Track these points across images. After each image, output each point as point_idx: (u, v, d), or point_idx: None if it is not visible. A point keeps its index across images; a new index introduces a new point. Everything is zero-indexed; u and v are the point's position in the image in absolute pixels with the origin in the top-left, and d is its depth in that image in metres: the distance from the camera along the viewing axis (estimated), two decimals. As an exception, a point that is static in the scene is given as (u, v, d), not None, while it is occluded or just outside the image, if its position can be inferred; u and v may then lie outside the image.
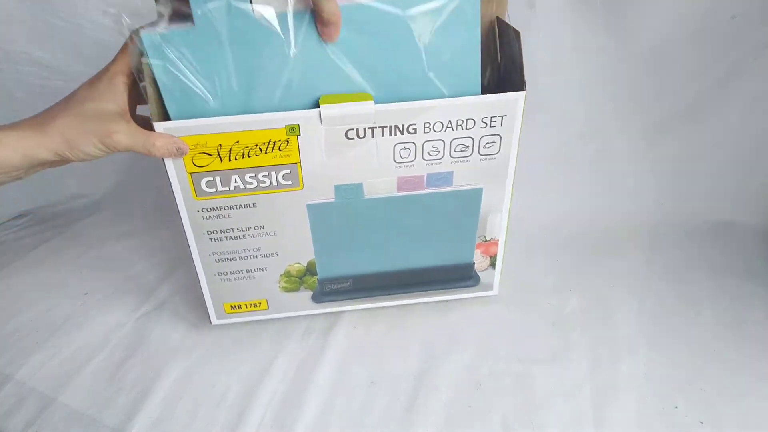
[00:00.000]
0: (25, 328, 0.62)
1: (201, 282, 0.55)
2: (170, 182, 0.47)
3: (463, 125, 0.49)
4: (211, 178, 0.48)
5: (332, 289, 0.59)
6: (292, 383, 0.52)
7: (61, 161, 0.43)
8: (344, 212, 0.53)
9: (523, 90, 0.48)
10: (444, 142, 0.50)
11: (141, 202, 0.84)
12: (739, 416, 0.46)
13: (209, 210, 0.50)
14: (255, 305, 0.58)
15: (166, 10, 0.42)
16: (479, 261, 0.59)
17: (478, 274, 0.60)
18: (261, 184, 0.49)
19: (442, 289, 0.61)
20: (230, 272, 0.55)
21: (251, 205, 0.50)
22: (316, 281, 0.58)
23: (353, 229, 0.55)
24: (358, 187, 0.52)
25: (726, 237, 0.68)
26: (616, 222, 0.72)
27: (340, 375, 0.53)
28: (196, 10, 0.41)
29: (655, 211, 0.72)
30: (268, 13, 0.42)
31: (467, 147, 0.50)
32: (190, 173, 0.47)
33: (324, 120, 0.46)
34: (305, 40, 0.44)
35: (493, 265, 0.60)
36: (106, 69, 0.43)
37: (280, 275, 0.56)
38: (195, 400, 0.51)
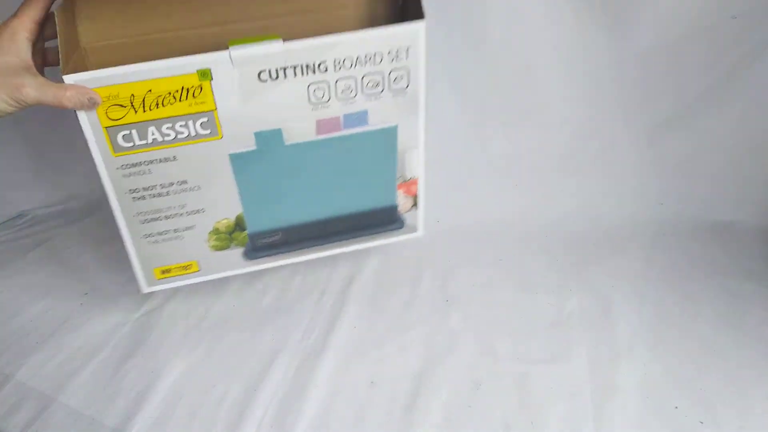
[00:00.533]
0: (25, 328, 0.62)
1: (127, 247, 0.53)
2: (86, 140, 0.46)
3: (372, 59, 0.49)
4: (128, 132, 0.47)
5: (263, 243, 0.59)
6: (292, 383, 0.52)
7: None
8: (267, 160, 0.53)
9: (422, 19, 0.49)
10: (356, 79, 0.50)
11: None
12: (738, 416, 0.46)
13: (129, 166, 0.49)
14: (185, 267, 0.57)
15: None
16: (402, 202, 0.60)
17: (404, 215, 0.62)
18: (179, 135, 0.48)
19: (370, 234, 0.62)
20: (157, 233, 0.53)
21: (172, 158, 0.50)
22: (247, 237, 0.57)
23: (278, 177, 0.55)
24: (278, 132, 0.52)
25: (726, 237, 0.68)
26: (616, 222, 0.72)
27: (340, 375, 0.53)
28: None
29: (655, 211, 0.72)
30: None
31: (378, 83, 0.51)
32: (106, 128, 0.46)
33: (234, 61, 0.46)
34: None
35: (415, 204, 0.61)
36: (6, 24, 0.43)
37: (209, 233, 0.55)
38: (195, 400, 0.51)
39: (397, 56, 0.50)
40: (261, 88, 0.48)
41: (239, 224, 0.56)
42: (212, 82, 0.47)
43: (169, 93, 0.46)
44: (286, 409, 0.49)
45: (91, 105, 0.44)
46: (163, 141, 0.48)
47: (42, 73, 0.44)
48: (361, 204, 0.59)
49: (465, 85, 0.73)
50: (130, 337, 0.59)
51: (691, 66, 0.67)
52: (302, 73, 0.49)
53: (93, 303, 0.65)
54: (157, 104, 0.46)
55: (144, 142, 0.48)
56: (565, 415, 0.47)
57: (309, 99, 0.50)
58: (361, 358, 0.54)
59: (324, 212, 0.59)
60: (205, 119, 0.48)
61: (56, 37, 0.45)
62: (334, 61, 0.49)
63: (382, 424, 0.48)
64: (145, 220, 0.52)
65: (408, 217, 0.62)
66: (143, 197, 0.51)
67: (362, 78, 0.51)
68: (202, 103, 0.47)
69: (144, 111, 0.46)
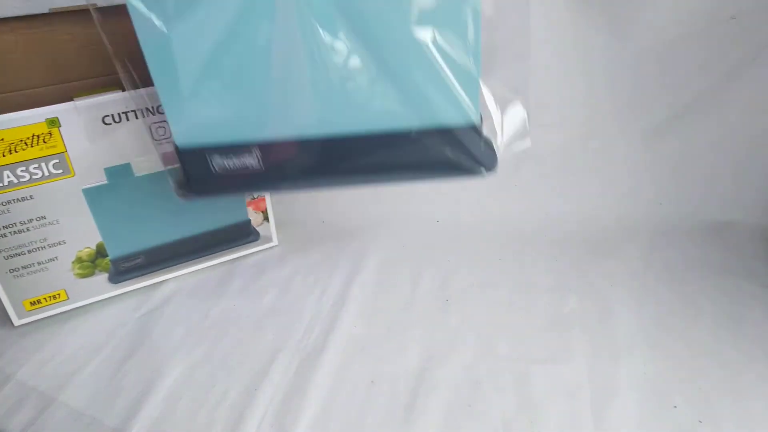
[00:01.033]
0: (25, 328, 0.62)
1: None
2: None
3: None
4: None
5: (126, 267, 0.62)
6: (292, 383, 0.52)
7: None
8: (119, 192, 0.58)
9: None
10: None
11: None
12: (738, 416, 0.46)
13: None
14: (54, 297, 0.61)
15: None
16: (254, 217, 0.68)
17: (257, 229, 0.68)
18: (34, 176, 0.54)
19: (230, 247, 0.68)
20: (21, 267, 0.57)
21: (29, 198, 0.55)
22: (109, 262, 0.61)
23: (131, 206, 0.60)
24: (126, 166, 0.58)
25: (725, 237, 0.68)
26: (615, 222, 0.72)
27: (340, 375, 0.53)
28: None
29: (654, 211, 0.72)
30: None
31: None
32: None
33: (80, 110, 0.53)
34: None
35: (266, 218, 0.68)
36: None
37: (72, 262, 0.60)
38: (195, 400, 0.51)
39: None
40: (106, 130, 0.55)
41: (100, 251, 0.61)
42: (61, 129, 0.53)
43: (21, 140, 0.52)
44: (286, 409, 0.49)
45: None
46: (19, 182, 0.54)
47: None
48: (215, 222, 0.65)
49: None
50: (130, 337, 0.59)
51: (690, 66, 0.67)
52: (143, 116, 0.55)
53: (93, 303, 0.65)
54: (10, 151, 0.52)
55: (1, 184, 0.53)
56: (564, 415, 0.47)
57: (152, 136, 0.56)
58: (361, 358, 0.54)
59: (182, 232, 0.64)
60: (57, 160, 0.54)
61: None
62: None
63: (382, 424, 0.48)
64: (9, 255, 0.56)
65: (262, 230, 0.69)
66: (4, 235, 0.55)
67: None
68: (53, 146, 0.54)
69: None
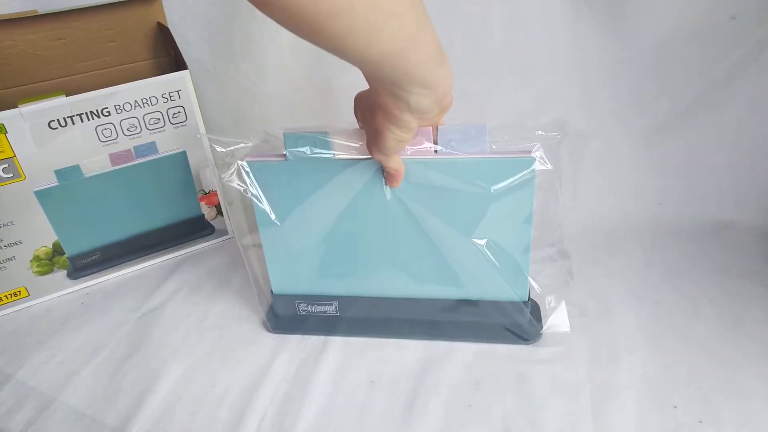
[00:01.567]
0: (25, 328, 0.62)
1: None
2: None
3: (149, 102, 0.61)
4: None
5: (83, 263, 0.65)
6: (292, 383, 0.52)
7: None
8: (70, 192, 0.61)
9: (186, 69, 0.62)
10: (138, 118, 0.62)
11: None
12: (738, 416, 0.46)
13: None
14: (15, 294, 0.63)
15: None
16: (207, 212, 0.71)
17: (212, 223, 0.72)
18: None
19: (186, 242, 0.71)
20: None
21: None
22: (67, 260, 0.65)
23: (83, 205, 0.63)
24: (76, 168, 0.61)
25: (726, 237, 0.68)
26: (615, 222, 0.72)
27: (340, 375, 0.53)
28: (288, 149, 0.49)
29: (654, 211, 0.72)
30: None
31: (159, 120, 0.63)
32: None
33: (25, 116, 0.56)
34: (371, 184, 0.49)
35: (220, 213, 0.72)
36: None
37: (30, 261, 0.63)
38: (195, 400, 0.51)
39: (171, 98, 0.62)
40: (53, 134, 0.58)
41: (57, 250, 0.64)
42: (7, 135, 0.56)
43: None
44: (286, 409, 0.49)
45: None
46: None
47: None
48: (170, 217, 0.69)
49: (464, 85, 0.73)
50: (130, 337, 0.59)
51: (691, 66, 0.67)
52: (88, 119, 0.59)
53: (93, 303, 0.65)
54: None
55: None
56: (564, 415, 0.47)
57: (99, 138, 0.61)
58: (361, 358, 0.54)
59: (137, 228, 0.68)
60: (6, 165, 0.57)
61: None
62: (115, 107, 0.60)
63: (382, 424, 0.48)
64: None
65: (217, 224, 0.72)
66: None
67: (144, 117, 0.62)
68: (1, 152, 0.56)
69: None
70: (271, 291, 0.57)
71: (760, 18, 0.63)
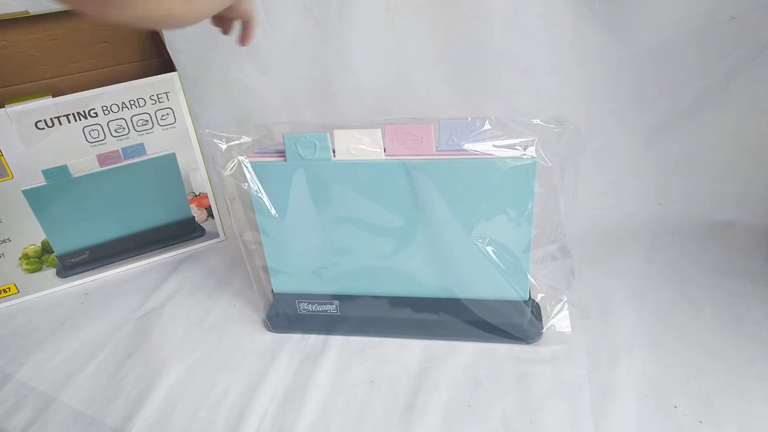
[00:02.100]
0: (25, 328, 0.62)
1: None
2: None
3: (136, 104, 0.62)
4: None
5: (73, 262, 0.65)
6: (292, 383, 0.52)
7: None
8: (58, 192, 0.62)
9: (174, 71, 0.63)
10: (126, 120, 0.62)
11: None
12: (738, 416, 0.46)
13: None
14: (5, 291, 0.64)
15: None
16: (197, 214, 0.71)
17: (202, 226, 0.72)
18: None
19: (177, 243, 0.71)
20: None
21: None
22: (56, 258, 0.65)
23: (72, 205, 0.63)
24: (64, 168, 0.61)
25: (726, 237, 0.68)
26: (616, 222, 0.72)
27: (340, 375, 0.53)
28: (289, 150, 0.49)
29: (654, 211, 0.72)
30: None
31: (147, 122, 0.63)
32: None
33: (11, 116, 0.56)
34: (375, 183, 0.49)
35: (211, 215, 0.72)
36: None
37: (19, 258, 0.64)
38: (195, 400, 0.51)
39: (159, 100, 0.62)
40: (40, 135, 0.58)
41: (46, 248, 0.65)
42: None
43: None
44: (286, 409, 0.49)
45: None
46: None
47: None
48: (160, 219, 0.69)
49: (465, 85, 0.73)
50: (130, 337, 0.59)
51: (691, 66, 0.67)
52: (75, 120, 0.59)
53: (93, 303, 0.65)
54: None
55: None
56: (564, 415, 0.47)
57: (86, 139, 0.61)
58: (361, 358, 0.54)
59: (126, 229, 0.68)
60: None
61: None
62: (103, 108, 0.60)
63: (382, 424, 0.48)
64: None
65: (208, 226, 0.72)
66: None
67: (131, 118, 0.62)
68: None
69: None
70: (272, 290, 0.57)
71: (760, 18, 0.63)
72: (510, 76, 0.72)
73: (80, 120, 0.60)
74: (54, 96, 0.58)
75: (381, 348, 0.55)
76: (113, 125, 0.62)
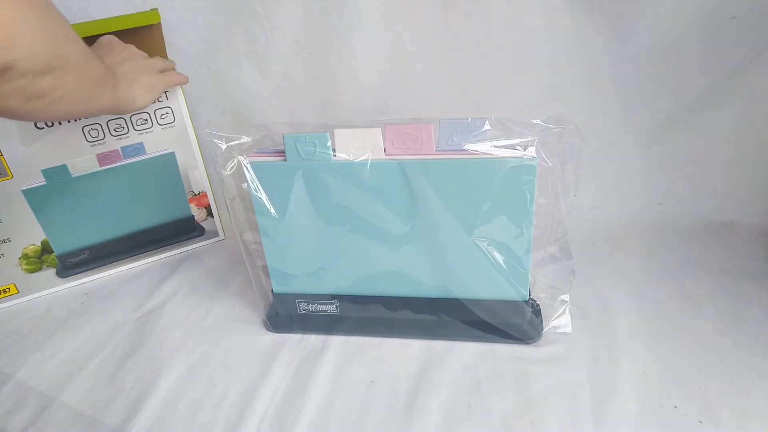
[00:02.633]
0: (25, 328, 0.62)
1: None
2: None
3: None
4: None
5: (72, 262, 0.65)
6: (292, 383, 0.52)
7: None
8: (58, 192, 0.62)
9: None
10: (125, 119, 0.62)
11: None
12: (738, 416, 0.46)
13: None
14: (5, 291, 0.64)
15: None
16: (197, 213, 0.71)
17: (202, 225, 0.72)
18: None
19: (176, 242, 0.71)
20: None
21: None
22: (56, 258, 0.64)
23: (71, 204, 0.63)
24: (63, 168, 0.61)
25: (726, 236, 0.68)
26: (616, 221, 0.72)
27: (340, 375, 0.53)
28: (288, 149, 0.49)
29: (655, 211, 0.72)
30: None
31: (146, 121, 0.63)
32: None
33: None
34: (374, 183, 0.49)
35: (210, 214, 0.72)
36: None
37: (19, 258, 0.64)
38: (195, 400, 0.51)
39: (158, 99, 0.62)
40: (40, 134, 0.59)
41: (46, 248, 0.65)
42: None
43: None
44: (286, 409, 0.49)
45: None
46: None
47: None
48: (159, 218, 0.69)
49: (465, 85, 0.73)
50: (130, 337, 0.59)
51: (691, 66, 0.67)
52: (75, 119, 0.59)
53: (93, 303, 0.65)
54: None
55: None
56: (564, 415, 0.47)
57: (86, 138, 0.61)
58: (361, 358, 0.54)
59: (126, 229, 0.68)
60: None
61: None
62: None
63: (382, 424, 0.48)
64: None
65: (207, 225, 0.72)
66: None
67: (131, 117, 0.62)
68: None
69: None
70: (272, 290, 0.57)
71: (760, 18, 0.63)
72: (510, 76, 0.72)
73: (79, 119, 0.60)
74: None
75: (381, 348, 0.55)
76: (112, 124, 0.62)
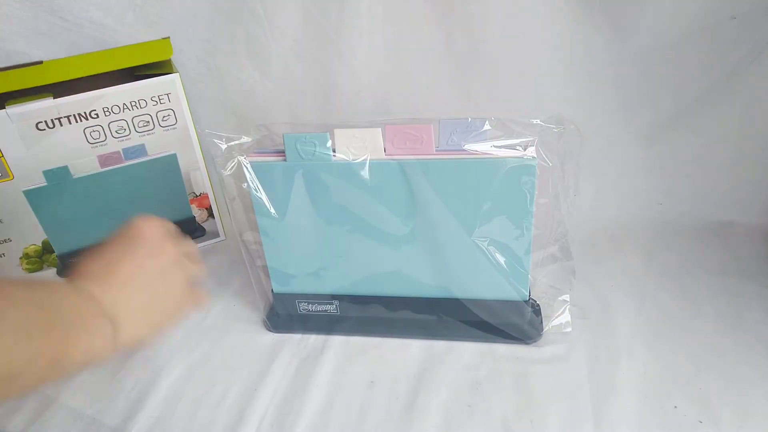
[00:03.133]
0: (25, 328, 0.62)
1: None
2: None
3: (137, 105, 0.61)
4: None
5: (73, 262, 0.63)
6: (292, 383, 0.52)
7: None
8: (59, 193, 0.62)
9: (176, 73, 0.62)
10: (127, 121, 0.62)
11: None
12: (738, 416, 0.46)
13: None
14: None
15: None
16: (198, 214, 0.70)
17: (203, 226, 0.72)
18: None
19: None
20: None
21: None
22: (57, 258, 0.66)
23: (73, 205, 0.63)
24: (64, 169, 0.61)
25: (726, 237, 0.68)
26: (615, 221, 0.72)
27: (340, 375, 0.53)
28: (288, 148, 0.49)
29: (654, 211, 0.72)
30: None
31: (148, 122, 0.63)
32: None
33: (11, 117, 0.56)
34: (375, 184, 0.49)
35: (211, 215, 0.72)
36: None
37: (20, 258, 0.64)
38: (195, 400, 0.51)
39: (160, 101, 0.62)
40: (41, 135, 0.58)
41: (47, 248, 0.65)
42: None
43: None
44: (286, 409, 0.49)
45: None
46: None
47: None
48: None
49: (465, 85, 0.73)
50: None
51: (691, 66, 0.67)
52: (76, 121, 0.59)
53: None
54: None
55: None
56: (564, 415, 0.47)
57: (87, 140, 0.61)
58: (361, 358, 0.54)
59: None
60: None
61: None
62: (103, 109, 0.60)
63: (382, 424, 0.48)
64: None
65: (208, 226, 0.72)
66: None
67: (132, 119, 0.62)
68: None
69: None
70: (272, 290, 0.57)
71: (760, 18, 0.63)
72: (510, 76, 0.72)
73: (81, 121, 0.60)
74: (55, 97, 0.58)
75: (381, 348, 0.55)
76: (114, 126, 0.62)
